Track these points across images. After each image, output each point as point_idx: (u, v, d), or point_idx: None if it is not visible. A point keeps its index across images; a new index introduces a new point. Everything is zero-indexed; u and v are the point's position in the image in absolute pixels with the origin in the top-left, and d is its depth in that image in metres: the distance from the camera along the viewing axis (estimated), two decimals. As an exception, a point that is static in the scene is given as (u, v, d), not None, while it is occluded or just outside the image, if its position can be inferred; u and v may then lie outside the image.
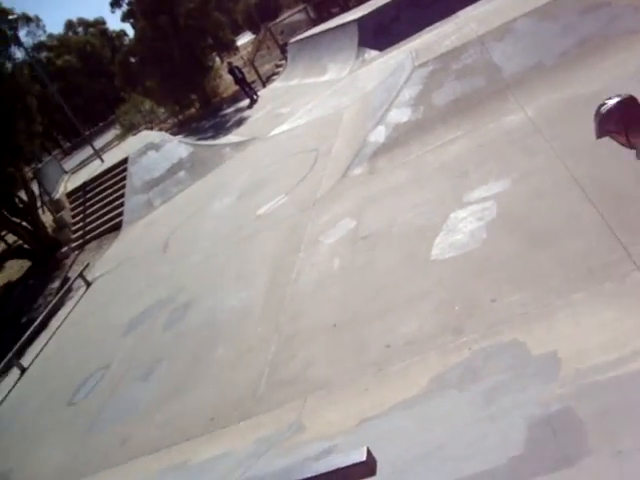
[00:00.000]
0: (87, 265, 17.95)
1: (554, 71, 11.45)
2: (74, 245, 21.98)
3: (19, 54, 77.42)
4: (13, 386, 12.70)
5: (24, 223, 23.34)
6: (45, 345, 13.92)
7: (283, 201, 13.26)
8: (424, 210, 9.12)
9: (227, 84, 37.29)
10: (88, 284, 16.42)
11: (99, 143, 42.99)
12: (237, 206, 15.01)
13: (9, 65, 24.74)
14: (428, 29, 21.02)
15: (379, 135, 12.45)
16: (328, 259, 9.48)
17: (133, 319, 12.10)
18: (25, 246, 23.47)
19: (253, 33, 75.18)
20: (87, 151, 30.72)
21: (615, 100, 3.94)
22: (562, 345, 5.09)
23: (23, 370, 13.15)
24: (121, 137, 39.69)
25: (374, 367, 6.65)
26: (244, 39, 76.24)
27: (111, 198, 22.69)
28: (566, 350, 4.95)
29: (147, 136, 27.03)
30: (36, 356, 13.57)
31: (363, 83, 19.50)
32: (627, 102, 3.95)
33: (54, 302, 16.27)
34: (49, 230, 24.27)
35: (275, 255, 10.93)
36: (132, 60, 40.11)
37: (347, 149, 13.53)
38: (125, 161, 23.62)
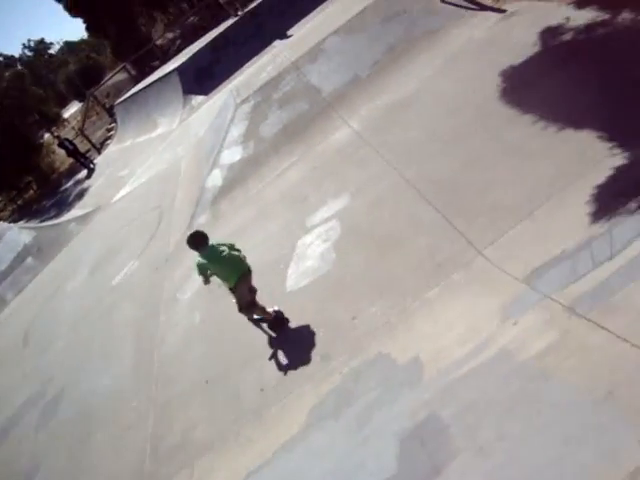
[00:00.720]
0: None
1: (369, 81, 11.77)
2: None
3: None
4: None
5: None
6: None
7: (136, 265, 12.77)
8: (272, 244, 9.01)
9: (62, 158, 35.95)
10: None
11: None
12: (91, 281, 14.34)
13: None
14: (247, 64, 21.13)
15: (216, 179, 12.28)
16: (188, 315, 9.17)
17: (2, 426, 11.21)
18: None
19: (80, 101, 73.48)
20: None
21: None
22: (424, 347, 5.08)
23: None
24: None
25: (253, 415, 6.42)
26: (72, 109, 74.33)
27: None
28: (428, 351, 4.94)
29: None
30: None
31: (195, 130, 19.27)
32: None
33: None
34: None
35: (137, 322, 10.46)
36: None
37: (188, 199, 13.24)
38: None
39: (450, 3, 12.10)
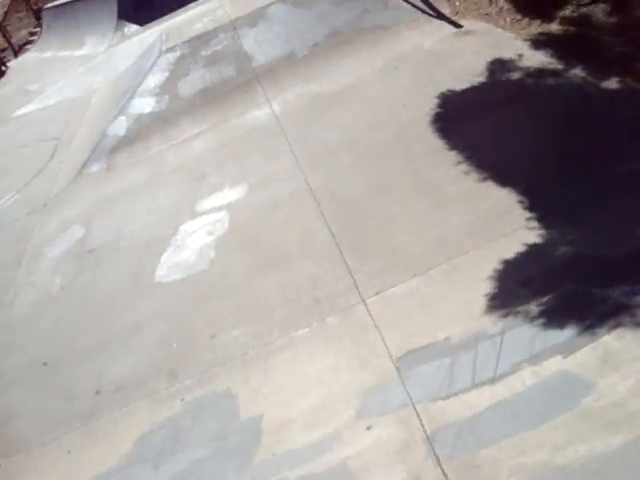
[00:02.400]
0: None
1: (305, 62, 10.99)
2: None
3: None
4: None
5: None
6: None
7: (13, 199, 11.63)
8: (155, 219, 8.20)
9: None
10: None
11: None
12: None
13: None
14: (189, 6, 19.87)
15: (120, 127, 11.25)
16: (49, 277, 8.24)
17: None
18: None
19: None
20: None
21: None
22: (271, 408, 4.47)
23: None
24: None
25: (81, 421, 5.66)
26: (4, -1, 69.69)
27: None
28: (273, 417, 4.34)
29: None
30: None
31: (118, 61, 17.97)
32: None
33: None
34: None
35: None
36: None
37: (87, 141, 12.14)
38: None
39: (409, 2, 11.41)
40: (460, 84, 8.29)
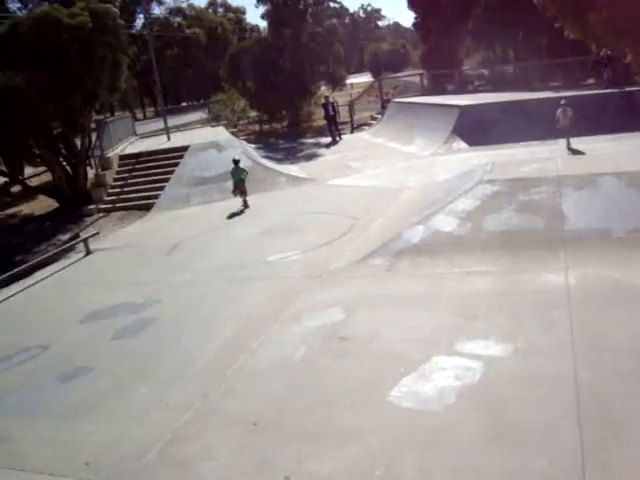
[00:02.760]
0: (96, 234, 17.45)
1: (618, 245, 10.42)
2: (102, 207, 21.67)
3: (156, 10, 79.87)
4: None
5: (67, 167, 23.27)
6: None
7: (296, 258, 12.48)
8: (413, 337, 8.19)
9: (321, 116, 36.98)
10: (88, 252, 15.92)
11: (182, 120, 43.05)
12: (255, 241, 14.31)
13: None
14: (523, 144, 20.19)
15: (415, 234, 11.57)
16: (296, 345, 8.58)
17: (99, 311, 11.39)
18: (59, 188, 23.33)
19: (372, 77, 75.58)
20: (171, 121, 30.57)
21: None
22: None
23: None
24: (203, 123, 39.58)
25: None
26: (361, 79, 76.30)
27: (156, 178, 22.30)
28: None
29: (218, 133, 26.67)
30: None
31: (438, 170, 18.72)
32: None
33: (48, 255, 15.90)
34: (87, 183, 24.02)
35: (253, 309, 10.14)
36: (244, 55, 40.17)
37: (381, 233, 12.69)
38: (185, 149, 23.28)
39: None
40: None
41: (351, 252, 12.14)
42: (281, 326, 9.32)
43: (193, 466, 6.29)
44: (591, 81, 30.02)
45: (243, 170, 19.33)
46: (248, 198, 18.55)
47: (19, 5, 64.14)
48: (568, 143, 19.41)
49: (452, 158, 20.53)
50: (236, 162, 19.31)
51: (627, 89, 23.72)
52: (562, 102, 20.05)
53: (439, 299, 9.31)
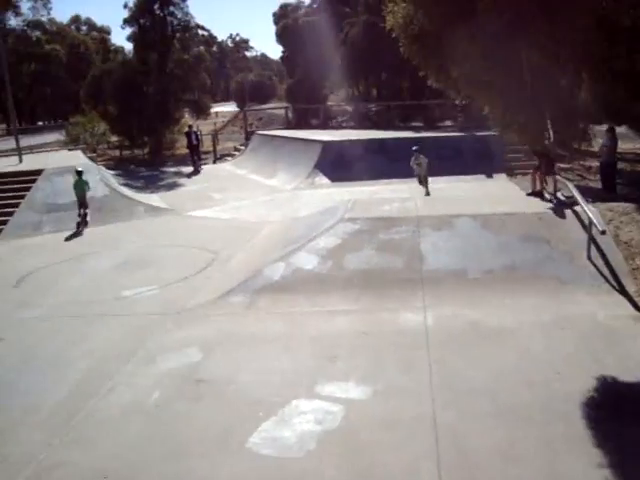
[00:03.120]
0: None
1: (473, 284, 10.77)
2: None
3: (12, 22, 76.23)
4: None
5: None
6: None
7: (152, 293, 11.96)
8: (273, 380, 7.98)
9: (184, 144, 36.40)
10: None
11: (37, 140, 40.91)
12: (109, 274, 13.61)
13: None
14: (384, 182, 20.63)
15: (276, 271, 11.41)
16: (149, 388, 8.12)
17: None
18: None
19: (238, 107, 75.62)
20: (24, 141, 28.82)
21: None
22: None
23: None
24: (60, 145, 37.84)
25: None
26: (225, 108, 76.13)
27: (5, 202, 20.80)
28: None
29: (75, 158, 25.48)
30: None
31: (300, 205, 18.75)
32: None
33: None
34: None
35: (105, 348, 9.55)
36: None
37: (241, 269, 12.43)
38: (39, 172, 22.02)
39: (595, 265, 11.04)
40: (627, 376, 7.68)
41: (210, 288, 11.78)
42: (134, 368, 8.81)
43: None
44: (449, 123, 31.37)
45: (85, 182, 19.22)
46: (102, 227, 17.82)
47: None
48: (427, 191, 18.77)
49: (314, 193, 20.67)
50: (79, 173, 19.25)
51: (480, 134, 24.92)
52: (414, 148, 19.40)
53: (300, 339, 9.17)
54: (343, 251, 11.61)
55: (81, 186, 19.09)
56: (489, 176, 22.10)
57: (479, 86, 10.15)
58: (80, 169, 19.73)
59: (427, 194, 18.20)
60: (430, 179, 19.25)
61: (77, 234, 18.13)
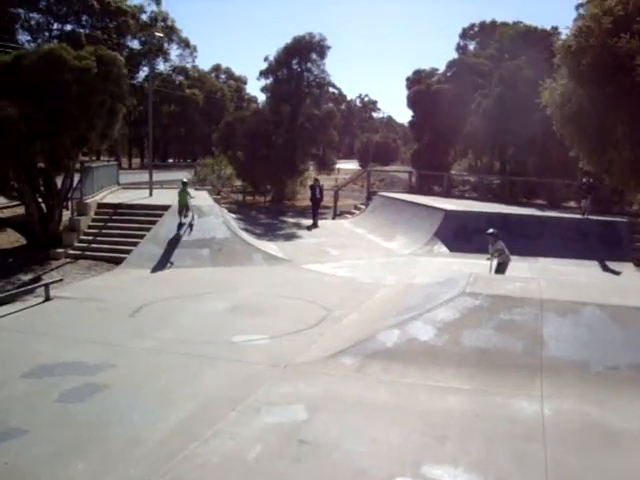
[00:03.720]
0: (59, 280, 16.84)
1: (595, 380, 10.11)
2: (71, 252, 21.03)
3: (161, 66, 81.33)
4: None
5: (43, 205, 22.74)
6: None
7: (262, 342, 11.98)
8: (378, 452, 7.70)
9: (306, 197, 37.02)
10: (47, 299, 15.25)
11: (167, 176, 42.66)
12: (222, 316, 13.80)
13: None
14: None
15: (390, 338, 11.16)
16: (251, 441, 8.01)
17: (47, 366, 10.71)
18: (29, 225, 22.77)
19: (360, 165, 76.66)
20: (156, 176, 30.15)
21: None
22: None
23: None
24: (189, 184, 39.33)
25: None
26: (350, 165, 77.36)
27: (131, 233, 21.81)
28: None
29: (202, 198, 26.39)
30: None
31: (416, 272, 18.53)
32: None
33: (4, 295, 15.36)
34: (60, 226, 23.44)
35: (212, 392, 9.57)
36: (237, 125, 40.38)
37: (354, 330, 12.28)
38: (166, 208, 22.92)
39: None
40: None
41: (321, 346, 11.69)
42: (239, 417, 8.75)
43: None
44: (573, 204, 30.49)
45: (188, 193, 22.52)
46: (220, 269, 18.28)
47: (28, 38, 65.16)
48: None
49: (432, 261, 20.38)
50: (185, 184, 22.75)
51: (608, 219, 24.04)
52: (490, 232, 16.95)
53: (408, 412, 8.85)
54: (461, 326, 11.24)
55: (184, 196, 22.13)
56: (616, 264, 21.13)
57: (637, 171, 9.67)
58: (185, 180, 23.70)
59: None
60: (551, 260, 18.53)
61: (193, 273, 18.59)
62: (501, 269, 15.78)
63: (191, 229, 21.60)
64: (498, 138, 38.06)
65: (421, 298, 13.22)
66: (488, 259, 16.06)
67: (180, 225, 21.67)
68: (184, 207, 21.93)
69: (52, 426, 8.51)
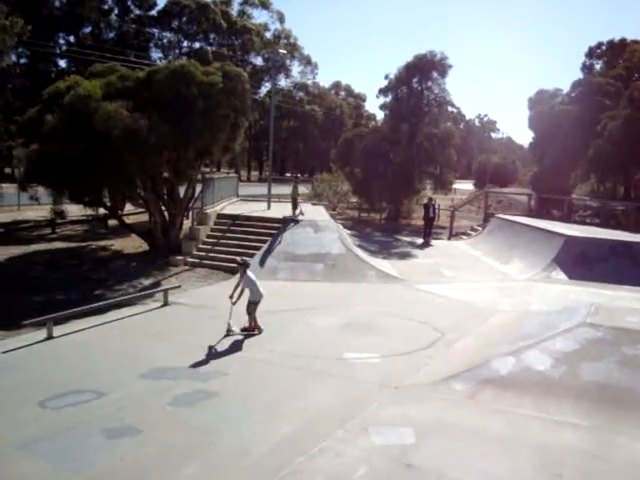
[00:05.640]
0: (178, 287, 17.48)
1: None
2: (189, 260, 21.81)
3: (283, 82, 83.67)
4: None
5: (166, 213, 23.75)
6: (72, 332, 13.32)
7: (373, 361, 11.96)
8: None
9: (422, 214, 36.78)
10: (165, 304, 15.88)
11: (284, 190, 43.52)
12: (333, 332, 13.88)
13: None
14: (627, 288, 19.20)
15: (504, 365, 10.88)
16: (358, 460, 8.00)
17: (163, 369, 11.13)
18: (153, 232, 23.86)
19: (475, 186, 75.45)
20: (274, 190, 30.87)
21: None
22: None
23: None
24: (304, 199, 39.98)
25: None
26: (467, 186, 76.37)
27: (248, 244, 22.34)
28: None
29: (318, 213, 26.70)
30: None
31: (532, 298, 17.97)
32: None
33: (126, 298, 16.17)
34: (181, 234, 24.37)
35: (320, 408, 9.66)
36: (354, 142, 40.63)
37: (467, 355, 12.05)
38: (283, 222, 23.35)
39: None
40: None
41: (432, 369, 11.54)
42: (346, 435, 8.76)
43: None
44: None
45: (297, 188, 26.27)
46: (333, 284, 18.50)
47: (160, 55, 68.76)
48: None
49: (550, 288, 19.70)
50: (296, 182, 26.59)
51: None
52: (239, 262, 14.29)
53: (521, 445, 8.57)
54: (580, 358, 10.80)
55: (295, 191, 25.59)
56: None
57: None
58: (296, 180, 27.62)
59: None
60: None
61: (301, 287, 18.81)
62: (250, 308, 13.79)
63: (302, 214, 24.50)
64: (624, 162, 36.51)
65: (538, 326, 12.84)
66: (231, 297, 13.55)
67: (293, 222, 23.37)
68: (294, 199, 25.22)
69: (163, 428, 8.87)
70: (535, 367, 10.77)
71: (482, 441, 8.64)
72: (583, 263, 21.64)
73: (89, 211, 25.80)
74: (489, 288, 19.60)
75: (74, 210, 27.57)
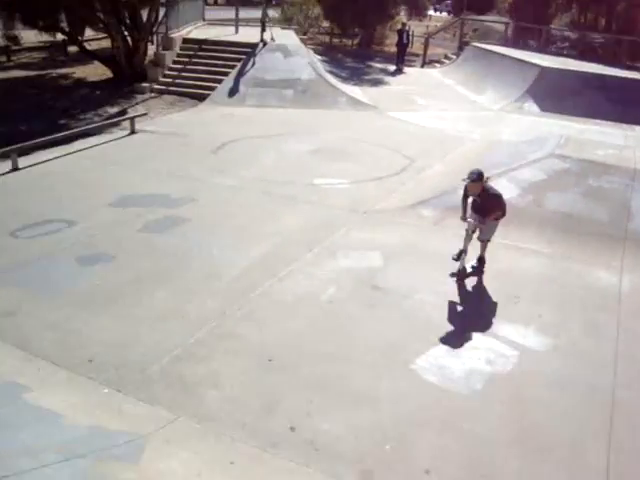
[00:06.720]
0: (144, 114, 17.02)
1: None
2: (155, 87, 21.02)
3: None
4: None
5: (129, 38, 22.58)
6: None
7: (342, 187, 11.98)
8: (450, 305, 7.83)
9: (392, 41, 35.57)
10: (132, 132, 15.48)
11: (252, 14, 41.58)
12: (304, 158, 13.79)
13: None
14: (597, 122, 19.14)
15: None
16: (327, 282, 8.21)
17: (132, 197, 11.03)
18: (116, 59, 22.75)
19: (448, 13, 72.75)
20: (242, 14, 29.30)
21: None
22: None
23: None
24: (274, 23, 38.29)
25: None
26: (442, 13, 73.58)
27: (216, 70, 21.48)
28: None
29: (287, 37, 25.65)
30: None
31: (503, 128, 17.89)
32: None
33: (91, 126, 15.66)
34: (145, 60, 23.33)
35: (290, 232, 9.77)
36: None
37: (436, 182, 12.10)
38: (252, 46, 22.43)
39: None
40: None
41: (401, 195, 11.61)
42: (315, 258, 8.92)
43: (196, 392, 6.01)
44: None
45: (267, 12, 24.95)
46: (303, 110, 18.09)
47: None
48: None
49: (521, 119, 19.57)
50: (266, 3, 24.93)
51: None
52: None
53: (484, 270, 8.82)
54: (546, 188, 10.93)
55: (265, 14, 24.17)
56: None
57: None
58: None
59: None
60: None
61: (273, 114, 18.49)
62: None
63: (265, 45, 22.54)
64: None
65: (507, 156, 12.83)
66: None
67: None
68: (264, 23, 23.56)
69: (135, 254, 8.91)
70: (504, 195, 10.85)
71: (446, 265, 8.82)
72: (555, 95, 21.32)
73: (46, 37, 24.15)
74: (461, 117, 19.41)
75: (29, 36, 25.78)
